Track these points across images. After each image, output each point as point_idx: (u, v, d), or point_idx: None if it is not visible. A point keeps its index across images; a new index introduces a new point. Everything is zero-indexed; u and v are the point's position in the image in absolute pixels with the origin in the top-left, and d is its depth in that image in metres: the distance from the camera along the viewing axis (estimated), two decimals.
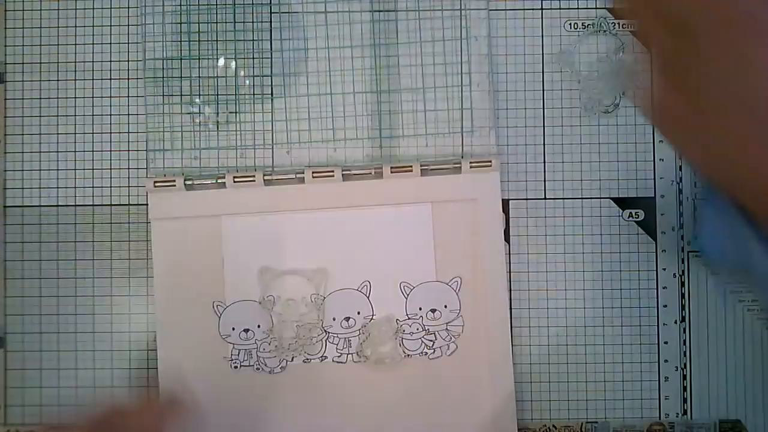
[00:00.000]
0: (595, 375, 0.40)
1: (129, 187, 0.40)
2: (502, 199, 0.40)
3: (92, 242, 0.40)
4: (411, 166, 0.38)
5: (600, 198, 0.40)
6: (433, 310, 0.38)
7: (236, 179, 0.38)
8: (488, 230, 0.38)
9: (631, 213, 0.40)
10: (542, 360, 0.40)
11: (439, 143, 0.40)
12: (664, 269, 0.40)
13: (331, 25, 0.40)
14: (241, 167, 0.40)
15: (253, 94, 0.40)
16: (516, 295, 0.40)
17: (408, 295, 0.38)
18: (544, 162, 0.40)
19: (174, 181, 0.38)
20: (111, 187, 0.40)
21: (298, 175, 0.39)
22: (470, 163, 0.38)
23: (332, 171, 0.38)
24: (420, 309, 0.38)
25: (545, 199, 0.40)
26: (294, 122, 0.40)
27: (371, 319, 0.38)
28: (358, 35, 0.40)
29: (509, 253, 0.40)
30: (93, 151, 0.40)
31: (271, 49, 0.40)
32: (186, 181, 0.38)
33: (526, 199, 0.40)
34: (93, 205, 0.40)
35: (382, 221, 0.38)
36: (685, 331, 0.40)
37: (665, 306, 0.40)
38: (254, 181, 0.38)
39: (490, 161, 0.38)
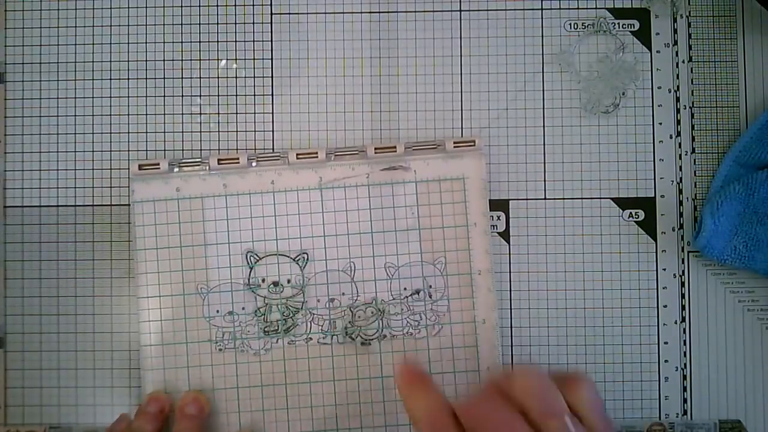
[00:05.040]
0: (595, 375, 0.40)
1: (129, 187, 0.40)
2: (502, 200, 0.40)
3: (92, 242, 0.40)
4: (395, 147, 0.38)
5: (600, 198, 0.40)
6: (418, 291, 0.38)
7: (221, 162, 0.38)
8: (473, 209, 0.38)
9: (631, 213, 0.40)
10: (542, 360, 0.40)
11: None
12: (664, 269, 0.40)
13: (329, 23, 0.40)
14: (223, 150, 0.40)
15: (255, 95, 0.40)
16: (516, 295, 0.40)
17: (392, 275, 0.38)
18: (544, 162, 0.40)
19: (158, 163, 0.38)
20: (111, 187, 0.40)
21: (282, 157, 0.39)
22: (454, 143, 0.38)
23: (316, 153, 0.38)
24: (405, 289, 0.38)
25: (545, 199, 0.40)
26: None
27: (356, 300, 0.38)
28: (358, 32, 0.40)
29: (509, 253, 0.40)
30: (93, 151, 0.40)
31: (272, 49, 0.40)
32: (170, 163, 0.39)
33: (526, 199, 0.40)
34: (93, 205, 0.40)
35: (367, 200, 0.38)
36: (685, 331, 0.40)
37: (665, 306, 0.40)
38: (239, 163, 0.38)
39: (474, 141, 0.38)
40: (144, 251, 0.38)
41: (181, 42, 0.40)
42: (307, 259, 0.38)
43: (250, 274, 0.38)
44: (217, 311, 0.38)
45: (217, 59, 0.40)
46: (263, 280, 0.38)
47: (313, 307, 0.38)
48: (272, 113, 0.40)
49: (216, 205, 0.39)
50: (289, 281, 0.38)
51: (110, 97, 0.40)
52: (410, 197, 0.38)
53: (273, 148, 0.40)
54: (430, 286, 0.38)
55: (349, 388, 0.38)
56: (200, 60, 0.40)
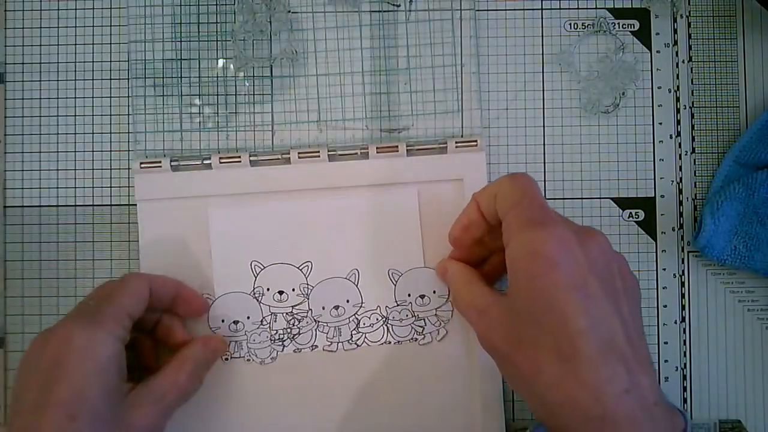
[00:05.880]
0: None
1: (129, 187, 0.40)
2: None
3: (92, 242, 0.40)
4: (397, 146, 0.38)
5: (600, 198, 0.40)
6: (422, 296, 0.38)
7: (222, 160, 0.38)
8: None
9: (631, 213, 0.40)
10: None
11: (428, 125, 0.40)
12: (664, 269, 0.40)
13: (330, 27, 0.40)
14: (223, 149, 0.40)
15: (253, 93, 0.40)
16: None
17: (396, 281, 0.38)
18: (544, 162, 0.40)
19: (160, 162, 0.38)
20: (111, 187, 0.40)
21: (283, 156, 0.39)
22: (456, 143, 0.38)
23: (318, 152, 0.38)
24: (409, 295, 0.38)
25: (545, 199, 0.40)
26: (278, 103, 0.40)
27: (360, 307, 0.38)
28: (358, 32, 0.40)
29: None
30: (93, 151, 0.40)
31: (272, 49, 0.40)
32: (172, 161, 0.39)
33: None
34: (93, 205, 0.40)
35: (369, 207, 0.38)
36: (685, 331, 0.40)
37: (665, 306, 0.40)
38: (240, 161, 0.38)
39: (476, 141, 0.38)
40: (148, 251, 0.38)
41: (181, 41, 0.40)
42: (312, 267, 0.38)
43: (254, 283, 0.38)
44: (222, 320, 0.38)
45: (217, 59, 0.40)
46: (268, 289, 0.38)
47: (318, 314, 0.38)
48: (272, 113, 0.40)
49: (219, 214, 0.38)
50: (293, 290, 0.38)
51: (110, 97, 0.40)
52: (412, 201, 0.38)
53: (272, 148, 0.40)
54: (434, 291, 0.38)
55: (356, 394, 0.38)
56: (200, 60, 0.40)
